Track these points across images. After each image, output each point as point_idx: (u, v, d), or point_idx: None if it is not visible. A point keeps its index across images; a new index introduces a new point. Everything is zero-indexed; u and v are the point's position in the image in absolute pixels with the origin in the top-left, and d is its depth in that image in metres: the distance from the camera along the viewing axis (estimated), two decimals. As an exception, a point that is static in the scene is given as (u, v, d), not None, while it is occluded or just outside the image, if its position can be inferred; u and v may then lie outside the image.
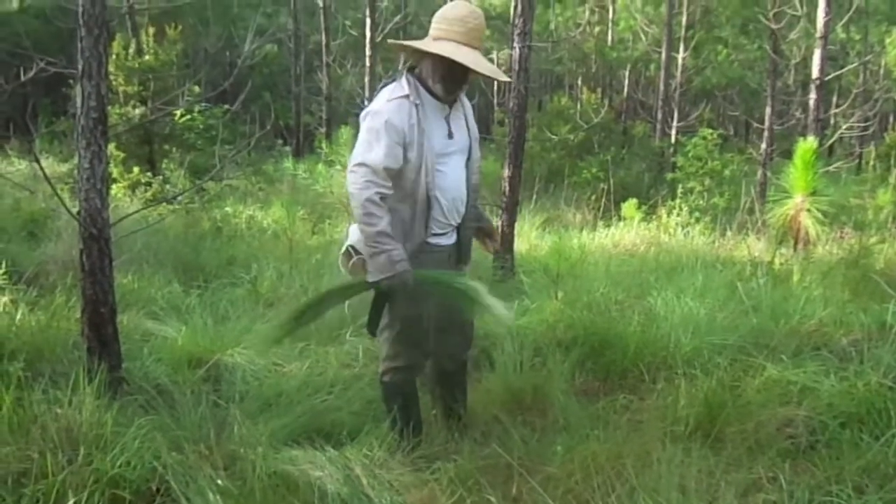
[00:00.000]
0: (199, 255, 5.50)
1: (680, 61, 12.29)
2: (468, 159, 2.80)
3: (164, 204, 7.13)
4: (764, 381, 3.20)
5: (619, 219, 7.82)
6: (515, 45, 5.41)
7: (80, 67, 2.75)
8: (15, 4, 10.32)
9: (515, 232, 5.75)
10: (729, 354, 3.57)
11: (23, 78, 2.90)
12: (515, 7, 5.39)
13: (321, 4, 10.67)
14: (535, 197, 8.44)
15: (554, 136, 8.56)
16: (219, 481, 2.29)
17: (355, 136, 6.42)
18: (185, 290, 4.46)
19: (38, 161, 2.82)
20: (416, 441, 2.79)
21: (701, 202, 8.00)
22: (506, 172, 5.55)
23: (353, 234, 2.78)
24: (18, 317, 3.57)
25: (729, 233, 7.18)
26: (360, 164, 2.57)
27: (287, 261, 5.09)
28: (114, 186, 7.87)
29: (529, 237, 7.01)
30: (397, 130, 2.57)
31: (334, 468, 2.50)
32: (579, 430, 2.77)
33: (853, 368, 3.21)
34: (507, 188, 5.52)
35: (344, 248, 2.83)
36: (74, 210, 2.90)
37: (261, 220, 7.27)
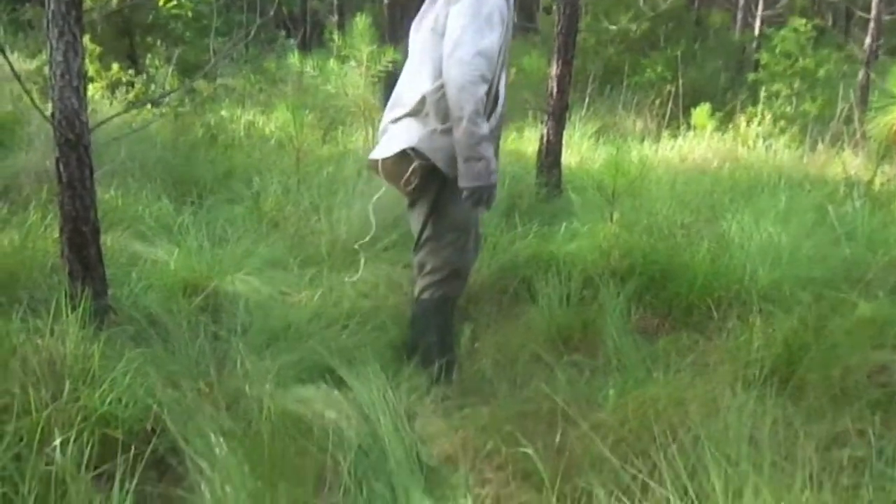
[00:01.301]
0: (191, 167, 5.54)
1: (769, -66, 11.79)
2: None
3: (150, 107, 7.15)
4: (855, 320, 3.20)
5: (689, 128, 7.68)
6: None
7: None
8: None
9: (564, 142, 5.70)
10: (814, 289, 3.57)
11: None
12: None
13: None
14: (587, 100, 8.30)
15: (612, 27, 8.32)
16: (221, 422, 2.38)
17: (373, 24, 6.24)
18: (177, 208, 4.51)
19: (3, 52, 2.82)
20: (450, 378, 2.91)
21: (788, 108, 7.81)
22: (553, 70, 5.46)
23: (413, 133, 2.84)
24: (-12, 237, 3.67)
25: (820, 146, 7.04)
26: (478, 54, 2.63)
27: (294, 174, 5.11)
28: (90, 86, 7.88)
29: (580, 148, 6.95)
30: (503, 19, 2.68)
31: (352, 410, 2.58)
32: (635, 373, 2.81)
33: (961, 308, 3.20)
34: (555, 89, 5.44)
35: (396, 150, 2.85)
36: (48, 112, 2.92)
37: (262, 127, 7.27)
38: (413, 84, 2.90)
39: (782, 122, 7.60)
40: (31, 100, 2.87)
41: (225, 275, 3.58)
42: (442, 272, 2.99)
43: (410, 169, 2.86)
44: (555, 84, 5.42)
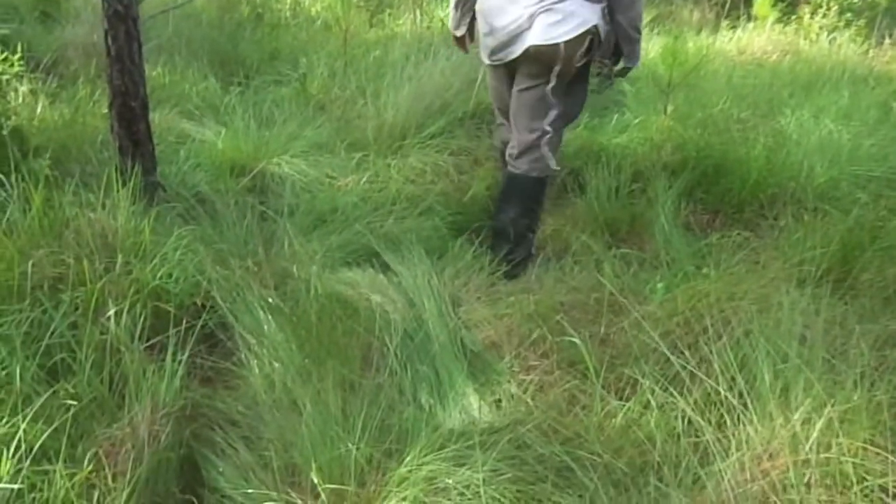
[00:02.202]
0: (237, 47, 5.43)
1: None
2: None
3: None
4: (914, 221, 3.09)
5: (749, 18, 7.33)
6: None
7: None
8: None
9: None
10: (874, 189, 3.45)
11: None
12: None
13: None
14: (642, -13, 7.94)
15: None
16: (269, 300, 2.40)
17: None
18: (223, 87, 4.45)
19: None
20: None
21: (856, 0, 7.40)
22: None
23: (591, 13, 2.92)
24: (39, 109, 3.65)
25: (888, 41, 6.69)
26: None
27: (340, 57, 5.00)
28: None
29: (633, 39, 6.68)
30: None
31: (397, 294, 2.58)
32: (684, 267, 2.76)
33: None
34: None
35: (582, 31, 2.89)
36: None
37: (309, 7, 7.09)
38: None
39: (849, 15, 7.20)
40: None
41: (272, 156, 3.56)
42: (557, 148, 3.13)
43: (584, 47, 2.95)
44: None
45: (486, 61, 3.18)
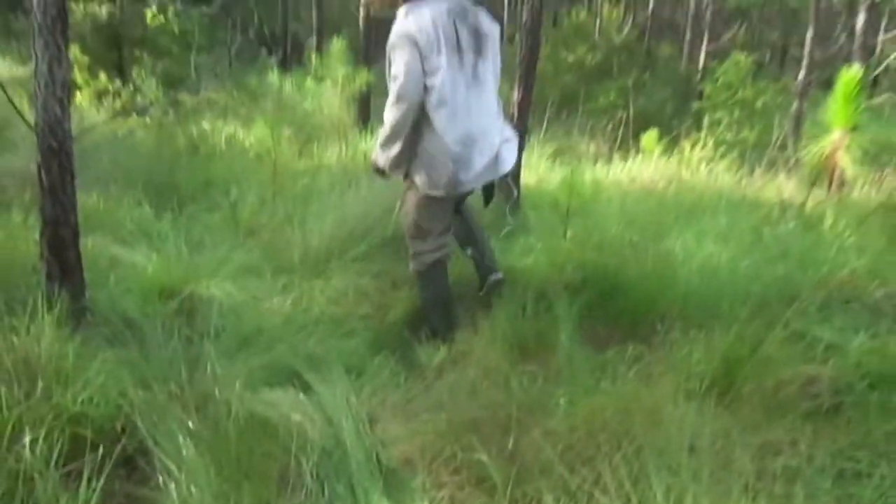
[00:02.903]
0: (173, 176, 5.40)
1: (714, -24, 11.93)
2: None
3: (135, 116, 7.00)
4: (787, 335, 3.18)
5: (638, 151, 7.72)
6: (531, -50, 5.23)
7: (35, -44, 2.62)
8: None
9: (523, 163, 5.67)
10: (751, 305, 3.56)
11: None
12: None
13: None
14: (545, 124, 8.31)
15: (569, 57, 8.34)
16: (190, 423, 2.30)
17: (349, 46, 6.16)
18: (157, 214, 4.39)
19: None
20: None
21: (729, 135, 7.90)
22: (515, 96, 5.42)
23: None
24: (-28, 237, 3.52)
25: (758, 170, 7.11)
26: None
27: (270, 185, 5.01)
28: (78, 94, 7.71)
29: (538, 169, 6.93)
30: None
31: (316, 413, 2.50)
32: (584, 382, 2.77)
33: (886, 325, 3.21)
34: (516, 113, 5.40)
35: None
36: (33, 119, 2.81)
37: (242, 140, 7.15)
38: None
39: (723, 148, 7.68)
40: (14, 107, 2.77)
41: (200, 280, 3.47)
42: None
43: None
44: (516, 109, 5.38)
45: (453, 190, 3.25)
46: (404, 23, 3.11)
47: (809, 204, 5.59)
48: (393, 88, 3.08)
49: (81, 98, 7.63)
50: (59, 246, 2.86)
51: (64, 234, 2.85)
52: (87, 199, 4.29)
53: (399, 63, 3.06)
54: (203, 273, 3.53)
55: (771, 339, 3.13)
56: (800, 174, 6.86)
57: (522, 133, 5.48)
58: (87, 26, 7.84)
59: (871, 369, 2.87)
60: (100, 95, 7.73)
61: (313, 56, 7.75)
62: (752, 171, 7.12)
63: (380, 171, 3.49)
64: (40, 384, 2.32)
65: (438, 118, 3.14)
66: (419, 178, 3.27)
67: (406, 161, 3.29)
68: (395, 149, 3.24)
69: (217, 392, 2.46)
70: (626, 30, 8.67)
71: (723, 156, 7.56)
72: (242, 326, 3.12)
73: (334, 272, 3.70)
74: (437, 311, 3.45)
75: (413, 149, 3.25)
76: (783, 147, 7.36)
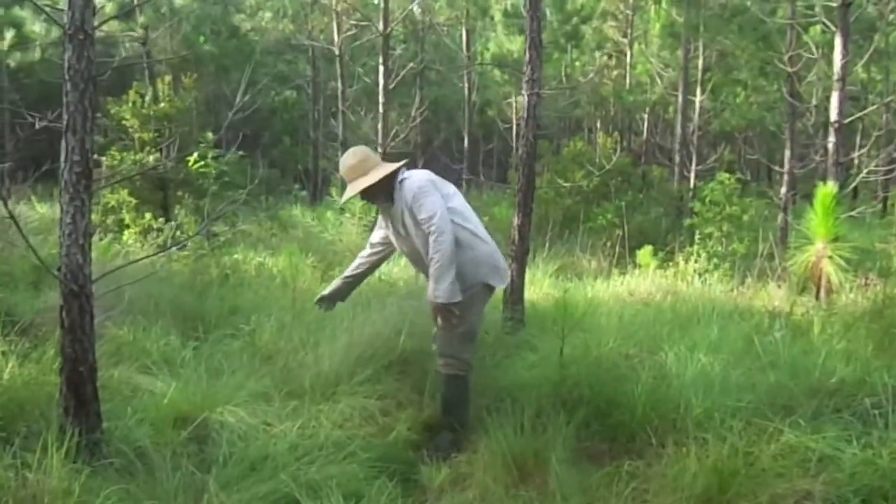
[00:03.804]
0: (202, 304, 5.39)
1: (697, 104, 12.19)
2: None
3: (175, 250, 7.07)
4: (780, 447, 2.99)
5: (635, 266, 7.63)
6: (524, 92, 5.36)
7: (64, 121, 2.69)
8: (38, 54, 10.59)
9: (527, 281, 5.61)
10: (743, 416, 3.36)
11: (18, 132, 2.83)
12: (525, 55, 5.37)
13: (337, 52, 10.75)
14: (548, 243, 8.29)
15: (565, 185, 8.43)
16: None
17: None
18: (183, 342, 4.34)
19: (11, 215, 2.76)
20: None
21: (719, 248, 7.80)
22: (515, 221, 5.43)
23: None
24: (8, 370, 3.47)
25: (748, 280, 6.96)
26: None
27: (290, 311, 4.96)
28: (126, 232, 7.86)
29: (542, 285, 6.85)
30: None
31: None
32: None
33: (877, 434, 3.00)
34: (517, 237, 5.39)
35: None
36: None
37: (271, 267, 7.18)
38: None
39: (715, 260, 7.57)
40: (34, 253, 2.78)
41: (215, 406, 3.37)
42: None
43: None
44: (517, 233, 5.38)
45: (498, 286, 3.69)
46: (413, 179, 3.50)
47: (798, 311, 5.42)
48: (432, 227, 3.33)
49: (128, 235, 7.77)
50: (77, 382, 2.79)
51: (81, 371, 2.80)
52: (118, 331, 4.26)
53: (429, 205, 3.37)
54: (218, 399, 3.43)
55: (764, 452, 2.94)
56: (788, 282, 6.71)
57: (523, 254, 5.45)
58: (134, 171, 8.07)
59: (865, 483, 2.65)
60: (145, 233, 7.86)
61: (334, 191, 7.89)
62: (743, 281, 6.98)
63: (444, 307, 3.38)
64: (44, 522, 2.20)
65: (471, 227, 3.56)
66: (487, 278, 3.58)
67: (459, 281, 3.40)
68: (451, 274, 3.35)
69: (215, 526, 2.31)
70: (616, 156, 8.79)
71: (715, 267, 7.46)
72: (250, 453, 2.98)
73: (342, 395, 3.58)
74: (465, 411, 3.51)
75: (464, 265, 3.44)
76: (771, 257, 7.22)
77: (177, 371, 3.81)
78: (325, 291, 4.11)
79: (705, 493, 2.69)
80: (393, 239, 3.74)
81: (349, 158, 3.60)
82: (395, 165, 3.57)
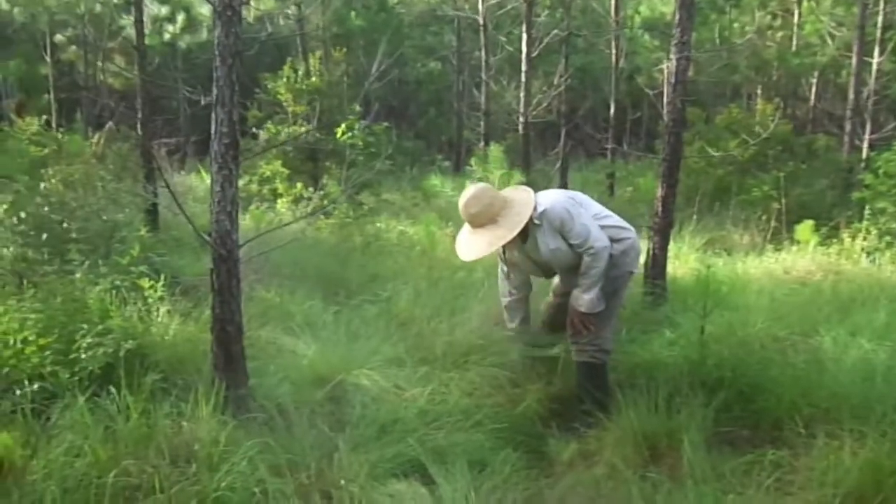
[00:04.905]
0: (345, 270, 5.61)
1: (875, 66, 11.02)
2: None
3: (321, 217, 7.40)
4: (952, 447, 2.68)
5: (793, 242, 7.06)
6: (673, 56, 5.07)
7: (214, 95, 2.85)
8: (205, 35, 11.35)
9: (671, 255, 5.36)
10: (910, 410, 3.04)
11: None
12: (675, 16, 5.07)
13: (481, 22, 10.69)
14: (696, 217, 7.86)
15: (716, 154, 7.90)
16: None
17: (507, 151, 6.27)
18: (325, 307, 4.54)
19: (168, 186, 2.97)
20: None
21: (893, 225, 7.03)
22: (659, 192, 5.19)
23: None
24: (173, 328, 3.78)
25: (928, 262, 6.24)
26: None
27: (427, 279, 5.05)
28: (279, 201, 8.32)
29: (688, 260, 6.51)
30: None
31: (438, 509, 2.38)
32: (711, 489, 2.44)
33: None
34: (661, 209, 5.15)
35: None
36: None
37: (412, 236, 7.33)
38: None
39: (888, 238, 6.82)
40: (189, 220, 2.97)
41: (352, 369, 3.51)
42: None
43: None
44: (660, 204, 5.14)
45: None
46: (552, 211, 3.31)
47: None
48: (590, 249, 3.27)
49: (281, 204, 8.22)
50: (226, 340, 2.99)
51: (230, 331, 2.98)
52: (266, 294, 4.52)
53: (579, 230, 3.29)
54: (354, 363, 3.56)
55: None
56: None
57: (667, 227, 5.21)
58: (288, 144, 8.50)
59: None
60: (297, 201, 8.28)
61: (473, 161, 7.88)
62: (920, 263, 6.26)
63: (584, 315, 3.36)
64: (193, 467, 2.38)
65: (614, 222, 3.50)
66: (632, 266, 3.54)
67: (609, 269, 3.38)
68: (599, 287, 3.34)
69: (343, 483, 2.41)
70: (773, 124, 8.09)
71: (888, 246, 6.73)
72: (381, 415, 3.08)
73: (472, 364, 3.60)
74: (604, 400, 3.30)
75: (613, 257, 3.37)
76: (955, 235, 6.44)
77: (318, 333, 3.98)
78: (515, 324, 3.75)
79: (858, 490, 2.46)
80: (525, 269, 3.60)
81: (472, 206, 3.33)
82: (528, 204, 3.30)
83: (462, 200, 3.38)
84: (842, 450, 2.67)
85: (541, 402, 3.41)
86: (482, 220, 3.31)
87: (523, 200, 3.34)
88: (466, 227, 3.45)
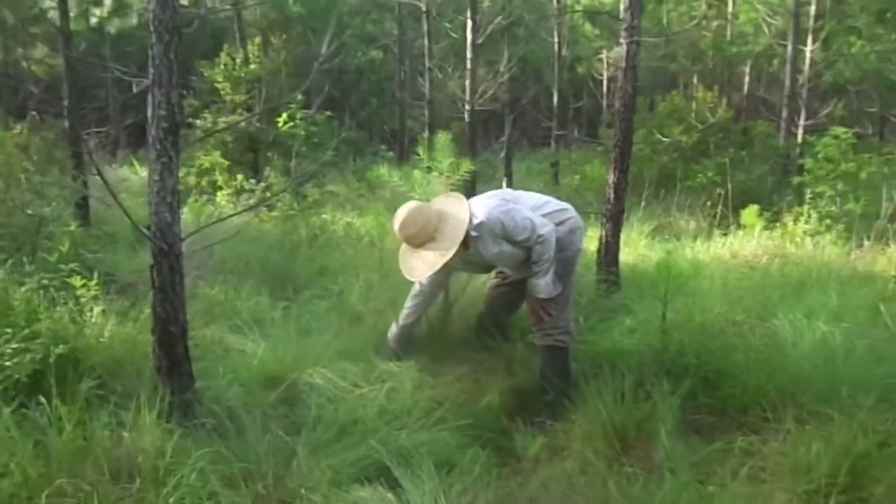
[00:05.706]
0: (292, 264, 5.39)
1: (808, 55, 11.29)
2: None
3: (264, 210, 7.13)
4: (921, 427, 2.68)
5: (738, 227, 7.16)
6: (623, 40, 5.01)
7: (150, 75, 2.62)
8: (135, 20, 10.80)
9: (621, 241, 5.32)
10: (874, 392, 3.04)
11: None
12: (623, 1, 5.02)
13: (424, 9, 10.48)
14: (643, 203, 7.90)
15: (664, 139, 7.94)
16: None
17: (454, 139, 6.11)
18: (273, 303, 4.32)
19: (101, 176, 2.72)
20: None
21: (833, 208, 7.19)
22: (610, 178, 5.14)
23: None
24: (109, 329, 3.51)
25: (867, 243, 6.40)
26: None
27: (377, 271, 4.88)
28: (219, 193, 7.99)
29: (638, 246, 6.52)
30: None
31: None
32: (688, 482, 2.37)
33: None
34: (612, 195, 5.10)
35: None
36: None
37: (358, 228, 7.13)
38: None
39: (828, 221, 6.98)
40: (125, 212, 2.74)
41: (304, 368, 3.32)
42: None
43: None
44: (612, 191, 5.09)
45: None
46: (489, 222, 3.27)
47: (928, 276, 4.92)
48: (538, 238, 3.27)
49: (220, 197, 7.89)
50: (168, 341, 2.77)
51: (172, 331, 2.77)
52: (210, 291, 4.28)
53: (521, 226, 3.28)
54: (307, 360, 3.38)
55: (901, 432, 2.63)
56: (914, 245, 6.13)
57: (619, 213, 5.16)
58: (228, 135, 8.18)
59: None
60: (237, 194, 7.96)
61: (420, 149, 7.69)
62: (860, 244, 6.42)
63: (543, 301, 3.34)
64: (137, 483, 2.18)
65: (553, 207, 3.54)
66: (580, 243, 3.58)
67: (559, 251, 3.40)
68: (552, 272, 3.34)
69: (303, 492, 2.24)
70: (720, 110, 8.20)
71: (828, 228, 6.88)
72: (339, 416, 2.91)
73: (430, 358, 3.46)
74: (566, 385, 3.29)
75: (560, 239, 3.39)
76: (893, 218, 6.61)
77: (267, 331, 3.78)
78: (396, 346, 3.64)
79: (831, 476, 2.42)
80: (470, 271, 3.78)
81: (408, 228, 3.26)
82: (462, 217, 3.26)
83: (397, 222, 3.32)
84: (811, 435, 2.64)
85: (503, 395, 3.29)
86: (420, 239, 3.29)
87: (457, 213, 3.31)
88: (405, 246, 3.38)
